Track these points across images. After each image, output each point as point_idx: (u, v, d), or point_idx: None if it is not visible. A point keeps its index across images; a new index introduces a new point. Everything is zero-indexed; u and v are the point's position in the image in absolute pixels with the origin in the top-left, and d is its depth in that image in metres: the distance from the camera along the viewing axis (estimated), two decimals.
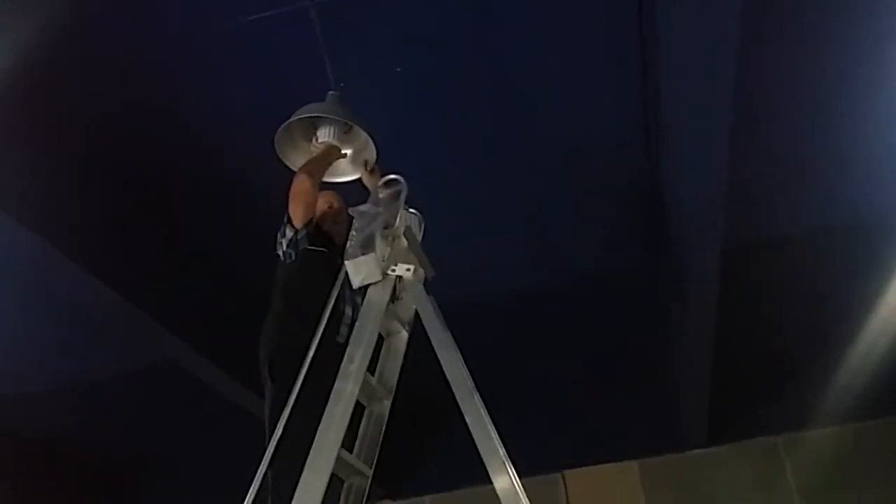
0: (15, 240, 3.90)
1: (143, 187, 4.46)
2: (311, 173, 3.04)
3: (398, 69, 3.89)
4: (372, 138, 3.21)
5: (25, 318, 5.07)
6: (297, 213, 2.98)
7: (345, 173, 3.40)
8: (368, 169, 3.30)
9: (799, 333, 5.78)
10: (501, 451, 2.19)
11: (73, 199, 4.11)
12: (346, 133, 3.28)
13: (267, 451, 2.19)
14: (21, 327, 5.16)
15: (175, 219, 4.75)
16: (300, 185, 2.99)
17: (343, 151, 3.30)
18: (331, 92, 3.28)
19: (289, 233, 2.98)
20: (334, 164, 3.29)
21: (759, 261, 5.20)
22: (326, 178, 3.30)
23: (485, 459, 2.17)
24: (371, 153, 3.28)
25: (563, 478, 6.55)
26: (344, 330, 2.79)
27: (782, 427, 6.33)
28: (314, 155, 3.21)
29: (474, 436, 2.21)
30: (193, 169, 4.39)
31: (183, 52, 3.75)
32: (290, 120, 3.12)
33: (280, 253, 3.03)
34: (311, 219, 3.01)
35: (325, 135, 3.20)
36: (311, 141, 3.27)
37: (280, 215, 3.09)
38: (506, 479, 2.11)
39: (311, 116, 3.18)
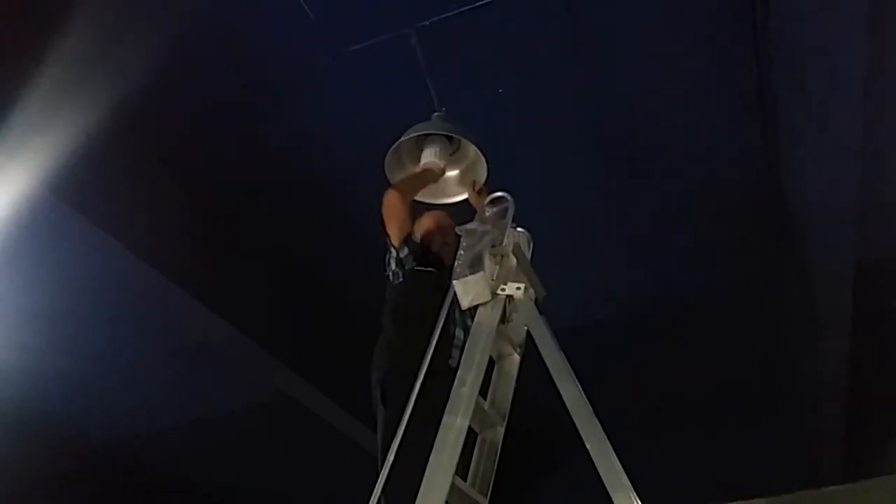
0: (142, 279, 4.08)
1: (260, 226, 4.59)
2: (399, 190, 3.01)
3: (500, 91, 3.85)
4: (483, 155, 3.14)
5: (149, 355, 5.27)
6: (391, 232, 2.95)
7: (453, 194, 3.33)
8: (476, 189, 3.23)
9: None
10: (625, 480, 2.03)
11: (195, 240, 4.29)
12: (452, 154, 3.22)
13: (380, 477, 2.11)
14: (145, 364, 5.37)
15: (292, 256, 4.85)
16: (387, 202, 2.95)
17: (445, 170, 3.23)
18: (435, 113, 3.24)
19: (393, 252, 2.95)
20: (442, 184, 3.24)
21: None
22: (435, 200, 3.25)
23: (609, 489, 2.01)
24: (480, 173, 3.21)
25: None
26: (455, 353, 2.70)
27: None
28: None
29: (597, 464, 2.06)
30: (305, 202, 4.49)
31: (286, 85, 3.84)
32: (399, 141, 3.09)
33: (388, 274, 2.99)
34: (409, 235, 2.96)
35: (429, 155, 3.15)
36: (417, 163, 3.23)
37: None
38: None
39: (419, 136, 3.14)
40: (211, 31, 3.55)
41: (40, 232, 3.86)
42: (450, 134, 3.14)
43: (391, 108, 3.79)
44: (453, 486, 2.08)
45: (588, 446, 2.10)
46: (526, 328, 2.55)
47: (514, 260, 2.58)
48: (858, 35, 2.87)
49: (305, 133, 4.08)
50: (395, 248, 2.93)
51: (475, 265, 2.44)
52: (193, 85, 3.76)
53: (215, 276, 4.40)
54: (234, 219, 4.51)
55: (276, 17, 3.56)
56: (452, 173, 3.29)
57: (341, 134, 4.06)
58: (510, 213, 2.68)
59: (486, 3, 3.37)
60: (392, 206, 2.94)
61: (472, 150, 3.19)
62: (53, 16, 3.12)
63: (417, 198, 3.23)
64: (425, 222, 3.21)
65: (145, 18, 3.40)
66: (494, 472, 2.38)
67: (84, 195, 3.59)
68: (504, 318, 2.51)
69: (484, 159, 3.16)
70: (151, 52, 3.40)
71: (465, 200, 3.31)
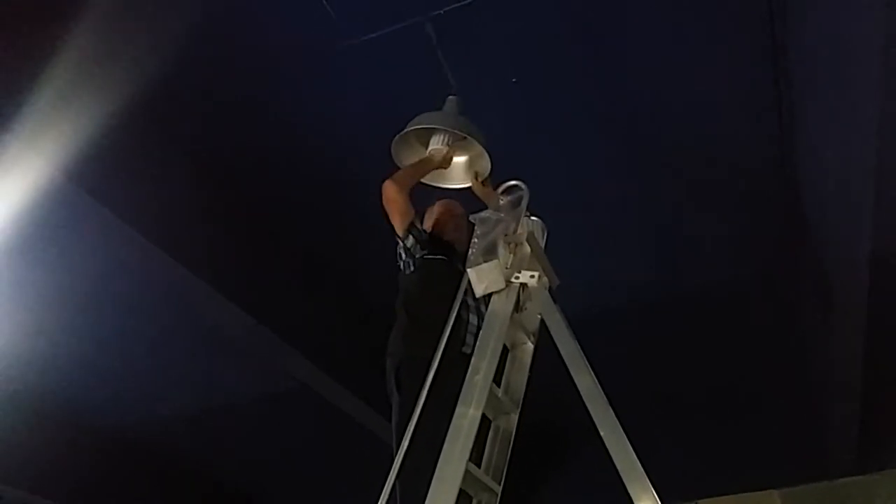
0: (159, 267, 4.10)
1: (278, 215, 4.60)
2: (396, 180, 2.97)
3: (514, 80, 3.83)
4: (488, 152, 3.12)
5: (166, 342, 5.30)
6: (394, 222, 2.95)
7: (461, 180, 3.31)
8: (480, 180, 3.22)
9: None
10: (640, 469, 2.04)
11: (213, 228, 4.30)
12: (462, 139, 3.20)
13: (394, 464, 2.12)
14: (162, 352, 5.41)
15: (309, 244, 4.85)
16: (385, 193, 2.94)
17: (452, 158, 3.21)
18: (450, 97, 3.22)
19: (400, 242, 2.96)
20: (450, 169, 3.22)
21: None
22: (442, 184, 3.24)
23: (624, 477, 2.03)
24: (483, 165, 3.19)
25: None
26: (469, 339, 2.71)
27: None
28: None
29: (611, 452, 2.07)
30: (322, 192, 4.47)
31: (301, 74, 3.84)
32: (405, 130, 3.08)
33: (400, 264, 3.00)
34: (412, 223, 2.95)
35: (437, 142, 3.13)
36: (426, 146, 3.20)
37: None
38: (649, 498, 1.95)
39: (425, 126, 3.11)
40: (227, 21, 3.54)
41: (58, 219, 3.88)
42: (454, 131, 3.08)
43: (407, 98, 3.79)
44: (467, 473, 2.10)
45: (602, 434, 2.11)
46: (540, 316, 2.56)
47: (528, 248, 2.59)
48: (876, 20, 2.83)
49: (321, 122, 4.07)
50: (399, 238, 2.94)
51: (489, 253, 2.46)
52: (210, 73, 3.76)
53: (232, 264, 4.42)
54: (251, 208, 4.51)
55: (291, 5, 3.55)
56: (461, 159, 3.27)
57: (357, 123, 4.05)
58: (524, 202, 2.69)
59: None
60: (389, 198, 2.93)
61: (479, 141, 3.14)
62: (70, 4, 3.13)
63: (428, 181, 3.23)
64: (437, 210, 3.21)
65: (162, 7, 3.41)
66: (508, 459, 2.40)
67: (101, 183, 3.61)
68: (518, 307, 2.53)
69: (488, 155, 3.13)
70: (168, 40, 3.41)
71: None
